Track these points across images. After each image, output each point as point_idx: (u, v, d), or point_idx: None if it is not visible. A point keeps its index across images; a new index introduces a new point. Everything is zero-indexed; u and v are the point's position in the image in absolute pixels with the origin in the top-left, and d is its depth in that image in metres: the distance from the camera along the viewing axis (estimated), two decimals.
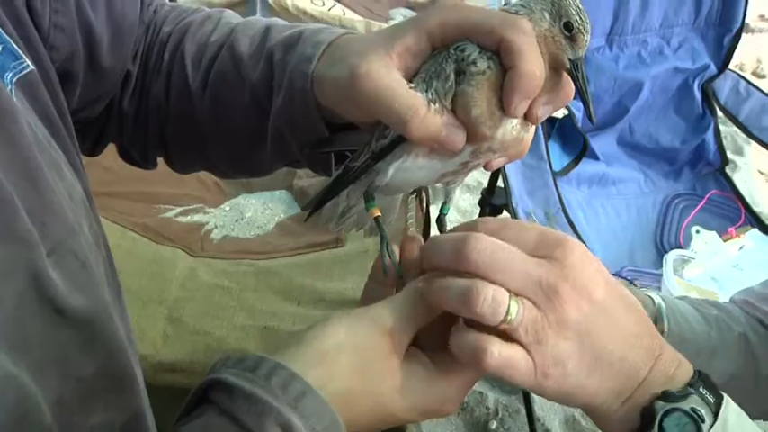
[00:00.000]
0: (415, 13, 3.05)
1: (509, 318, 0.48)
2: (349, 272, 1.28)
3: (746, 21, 1.97)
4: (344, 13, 2.76)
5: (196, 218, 1.45)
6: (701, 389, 0.50)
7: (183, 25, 0.67)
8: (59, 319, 0.44)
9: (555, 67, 0.50)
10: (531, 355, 0.49)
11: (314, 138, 0.61)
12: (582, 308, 0.49)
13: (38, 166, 0.45)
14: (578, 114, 1.86)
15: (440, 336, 0.52)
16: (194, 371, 1.11)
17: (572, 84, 0.52)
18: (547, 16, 0.50)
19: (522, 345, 0.49)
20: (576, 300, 0.49)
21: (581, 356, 0.49)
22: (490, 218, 0.54)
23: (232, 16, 0.69)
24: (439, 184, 0.59)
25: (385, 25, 2.72)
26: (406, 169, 0.54)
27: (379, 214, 0.58)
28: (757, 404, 0.73)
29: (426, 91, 0.50)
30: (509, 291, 0.48)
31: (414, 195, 1.21)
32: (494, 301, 0.47)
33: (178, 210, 1.47)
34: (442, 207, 0.61)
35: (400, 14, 3.05)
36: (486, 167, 0.56)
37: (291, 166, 0.70)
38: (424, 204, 1.35)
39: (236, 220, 1.46)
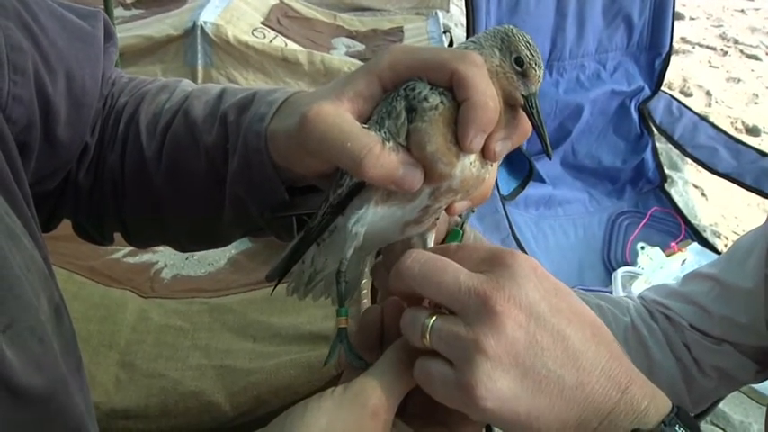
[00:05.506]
0: (356, 43, 3.08)
1: (425, 332, 0.46)
2: (303, 306, 1.26)
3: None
4: (286, 45, 2.75)
5: (145, 257, 1.41)
6: (676, 427, 0.44)
7: (138, 95, 0.66)
8: (14, 399, 0.41)
9: (510, 103, 0.49)
10: (458, 371, 0.45)
11: (273, 201, 0.59)
12: (520, 322, 0.44)
13: None
14: None
15: (424, 402, 0.49)
16: (149, 416, 1.07)
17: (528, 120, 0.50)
18: (497, 52, 0.48)
19: (449, 362, 0.46)
20: (513, 312, 0.44)
21: (519, 375, 0.44)
22: (453, 243, 0.52)
23: (188, 84, 0.67)
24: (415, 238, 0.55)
25: (327, 55, 2.73)
26: (367, 223, 0.51)
27: (345, 326, 0.53)
28: None
29: (379, 131, 0.48)
30: (438, 306, 0.47)
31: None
32: (412, 318, 0.47)
33: (125, 250, 1.43)
34: None
35: (342, 44, 3.07)
36: (448, 212, 0.53)
37: (253, 235, 0.67)
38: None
39: (187, 258, 1.43)
